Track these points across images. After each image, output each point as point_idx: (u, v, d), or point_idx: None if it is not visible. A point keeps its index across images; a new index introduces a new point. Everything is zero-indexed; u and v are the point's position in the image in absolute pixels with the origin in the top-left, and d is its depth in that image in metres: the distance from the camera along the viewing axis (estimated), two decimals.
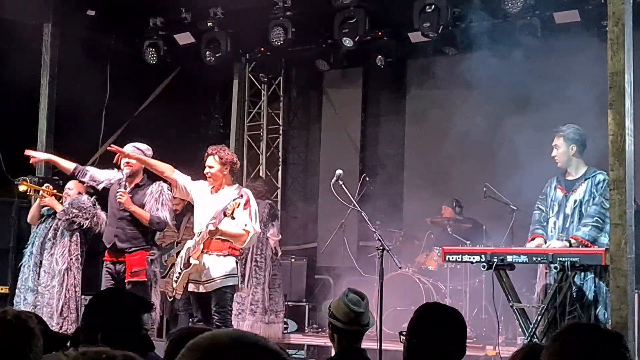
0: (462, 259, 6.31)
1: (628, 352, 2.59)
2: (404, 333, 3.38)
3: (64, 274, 7.55)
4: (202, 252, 6.53)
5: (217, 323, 6.45)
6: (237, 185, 6.95)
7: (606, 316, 5.60)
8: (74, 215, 7.61)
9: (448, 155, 10.45)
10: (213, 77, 11.44)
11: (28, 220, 8.08)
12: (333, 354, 4.51)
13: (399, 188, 11.33)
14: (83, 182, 7.36)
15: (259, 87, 12.17)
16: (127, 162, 7.02)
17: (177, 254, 9.57)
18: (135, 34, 10.64)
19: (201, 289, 6.55)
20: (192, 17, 10.32)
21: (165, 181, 7.00)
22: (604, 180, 5.78)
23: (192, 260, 6.53)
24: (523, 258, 5.90)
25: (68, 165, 7.27)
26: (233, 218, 6.37)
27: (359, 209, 6.76)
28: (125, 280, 6.89)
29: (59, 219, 7.68)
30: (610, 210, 5.24)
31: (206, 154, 6.79)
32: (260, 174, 11.80)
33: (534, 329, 5.87)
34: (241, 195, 6.61)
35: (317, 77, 11.87)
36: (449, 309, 3.47)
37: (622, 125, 4.96)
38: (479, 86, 9.50)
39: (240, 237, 6.53)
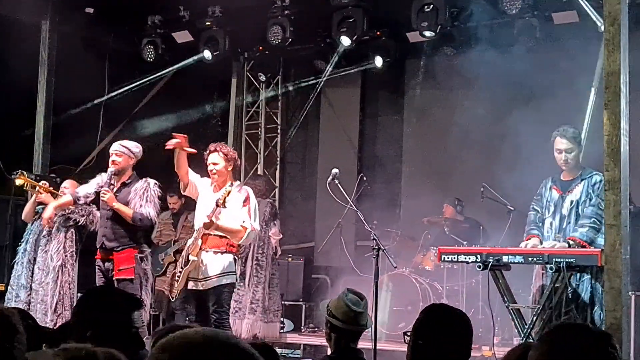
0: (457, 259, 6.29)
1: (617, 352, 2.57)
2: (408, 333, 3.36)
3: (58, 271, 7.54)
4: (200, 248, 6.52)
5: (215, 322, 6.44)
6: (238, 182, 6.94)
7: (602, 317, 5.58)
8: (70, 211, 7.60)
9: (446, 155, 10.46)
10: (211, 75, 11.43)
11: (22, 218, 8.05)
12: (329, 353, 4.50)
13: (396, 188, 11.33)
14: (81, 202, 7.34)
15: (257, 86, 12.17)
16: (113, 161, 7.00)
17: (175, 252, 9.60)
18: (134, 32, 10.64)
19: (199, 287, 6.54)
20: (191, 16, 10.32)
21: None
22: (601, 181, 5.75)
23: (190, 257, 6.53)
24: (519, 258, 5.88)
25: (67, 198, 7.35)
26: (225, 207, 6.35)
27: (355, 209, 6.75)
28: (113, 278, 6.88)
29: (55, 214, 7.66)
30: (605, 210, 5.22)
31: (208, 151, 6.75)
32: (258, 173, 11.80)
33: (529, 330, 5.85)
34: (240, 192, 6.61)
35: (316, 77, 11.86)
36: (455, 311, 3.45)
37: (618, 126, 4.94)
38: (477, 86, 9.50)
39: (238, 232, 6.52)
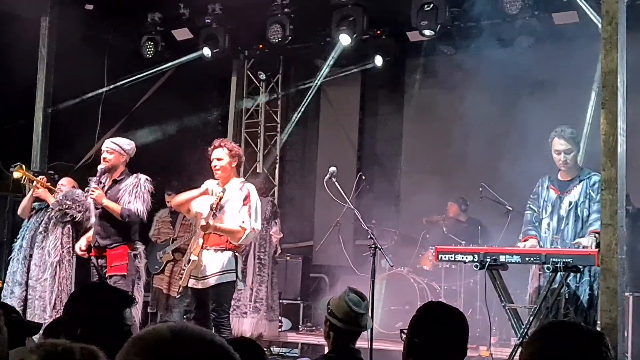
0: (454, 258, 6.27)
1: (609, 351, 2.56)
2: (405, 331, 3.35)
3: (56, 267, 7.52)
4: (202, 247, 6.50)
5: (214, 321, 6.42)
6: (242, 179, 6.90)
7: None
8: (67, 207, 7.59)
9: (446, 154, 10.45)
10: (211, 73, 11.42)
11: (18, 213, 8.02)
12: (326, 352, 4.48)
13: (395, 187, 11.32)
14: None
15: (257, 84, 12.16)
16: (104, 158, 6.96)
17: (173, 251, 9.59)
18: (134, 29, 10.63)
19: (199, 285, 6.50)
20: (190, 13, 10.32)
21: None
22: (600, 180, 5.72)
23: (191, 257, 6.51)
24: (516, 258, 5.86)
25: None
26: (218, 211, 6.33)
27: (352, 207, 6.72)
28: (106, 275, 6.85)
29: (52, 209, 7.65)
30: (601, 210, 5.20)
31: (212, 146, 6.68)
32: (258, 172, 11.78)
33: (526, 330, 5.83)
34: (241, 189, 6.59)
35: (315, 75, 11.85)
36: (451, 309, 3.43)
37: (615, 125, 4.92)
38: (476, 85, 9.48)
39: (236, 233, 6.47)
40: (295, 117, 11.63)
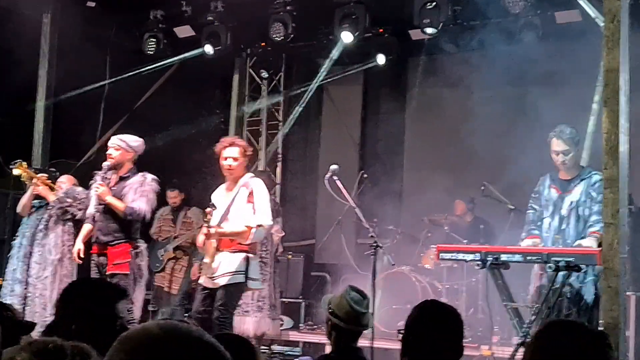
0: (456, 257, 6.25)
1: (611, 351, 2.55)
2: (402, 330, 3.35)
3: (56, 265, 7.51)
4: (217, 249, 6.49)
5: (217, 320, 6.41)
6: (250, 174, 6.84)
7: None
8: (67, 204, 7.57)
9: (448, 152, 10.43)
10: (213, 71, 11.41)
11: (18, 211, 7.99)
12: (328, 351, 4.47)
13: (397, 186, 11.29)
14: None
15: (259, 82, 12.14)
16: (110, 154, 6.91)
17: (174, 248, 9.58)
18: (136, 27, 10.63)
19: (210, 285, 6.52)
20: (193, 11, 10.31)
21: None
22: (601, 179, 5.70)
23: (205, 259, 6.53)
24: (517, 257, 5.83)
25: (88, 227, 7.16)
26: (212, 230, 6.37)
27: (353, 205, 6.70)
28: (107, 272, 6.79)
29: (52, 207, 7.63)
30: (603, 209, 5.17)
31: (222, 144, 6.63)
32: (260, 169, 11.76)
33: (527, 329, 5.81)
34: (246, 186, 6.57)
35: (318, 73, 11.83)
36: (446, 307, 3.44)
37: (617, 123, 4.89)
38: (479, 84, 9.46)
39: (243, 234, 6.45)
40: (297, 115, 11.61)
